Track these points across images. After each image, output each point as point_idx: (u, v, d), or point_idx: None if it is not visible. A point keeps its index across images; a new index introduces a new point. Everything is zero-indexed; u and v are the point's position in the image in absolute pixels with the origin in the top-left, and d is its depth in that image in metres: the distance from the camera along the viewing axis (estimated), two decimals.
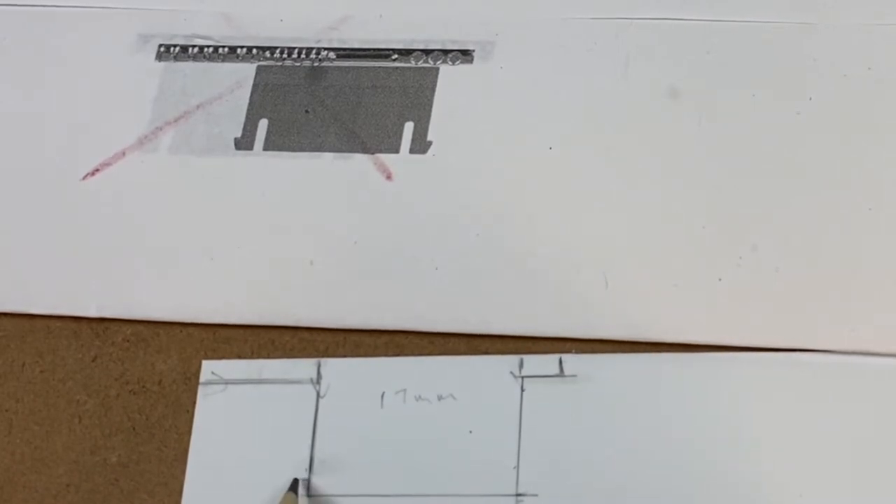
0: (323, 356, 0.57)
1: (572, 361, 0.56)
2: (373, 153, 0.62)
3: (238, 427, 0.56)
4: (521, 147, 0.61)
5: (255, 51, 0.65)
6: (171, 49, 0.65)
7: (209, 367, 0.58)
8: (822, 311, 0.56)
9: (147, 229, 0.61)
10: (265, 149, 0.62)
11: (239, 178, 0.62)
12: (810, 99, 0.61)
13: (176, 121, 0.63)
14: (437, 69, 0.63)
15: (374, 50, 0.64)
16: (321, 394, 0.57)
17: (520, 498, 0.54)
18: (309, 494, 0.55)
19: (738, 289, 0.57)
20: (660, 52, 0.63)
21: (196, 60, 0.65)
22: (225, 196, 0.61)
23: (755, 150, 0.60)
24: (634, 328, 0.57)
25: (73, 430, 0.58)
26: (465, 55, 0.64)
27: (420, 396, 0.56)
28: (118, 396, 0.58)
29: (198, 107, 0.64)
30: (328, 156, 0.62)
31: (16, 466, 0.57)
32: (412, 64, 0.64)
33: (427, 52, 0.64)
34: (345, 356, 0.57)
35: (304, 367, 0.57)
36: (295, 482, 0.54)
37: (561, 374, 0.56)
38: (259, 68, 0.64)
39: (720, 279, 0.57)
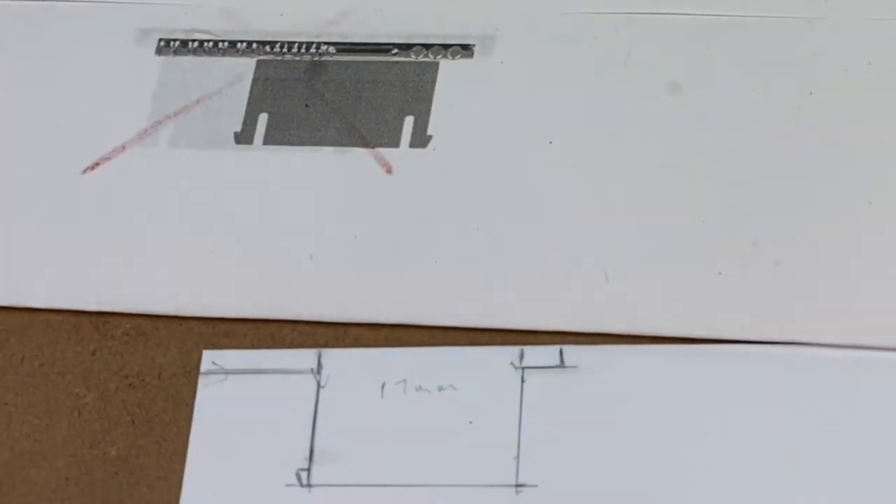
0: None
1: (573, 352, 0.56)
2: (373, 147, 0.62)
3: (238, 417, 0.56)
4: (521, 141, 0.61)
5: (254, 45, 0.65)
6: (171, 43, 0.65)
7: (210, 357, 0.57)
8: (823, 304, 0.56)
9: (146, 223, 0.61)
10: (265, 143, 0.62)
11: (238, 173, 0.62)
12: (811, 94, 0.61)
13: (175, 115, 0.63)
14: (438, 63, 0.63)
15: (374, 44, 0.64)
16: (322, 384, 0.56)
17: (519, 488, 0.54)
18: (309, 484, 0.55)
19: (738, 283, 0.57)
20: (660, 47, 0.63)
21: (196, 55, 0.65)
22: (224, 190, 0.61)
23: (755, 145, 0.60)
24: (635, 322, 0.56)
25: (72, 423, 0.57)
26: (466, 49, 0.64)
27: (420, 387, 0.56)
28: (118, 390, 0.58)
29: (197, 101, 0.64)
30: (328, 150, 0.62)
31: (15, 460, 0.57)
32: (412, 58, 0.64)
33: (427, 46, 0.64)
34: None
35: (304, 357, 0.57)
36: None
37: (561, 364, 0.55)
38: (259, 63, 0.64)
39: (720, 273, 0.57)
